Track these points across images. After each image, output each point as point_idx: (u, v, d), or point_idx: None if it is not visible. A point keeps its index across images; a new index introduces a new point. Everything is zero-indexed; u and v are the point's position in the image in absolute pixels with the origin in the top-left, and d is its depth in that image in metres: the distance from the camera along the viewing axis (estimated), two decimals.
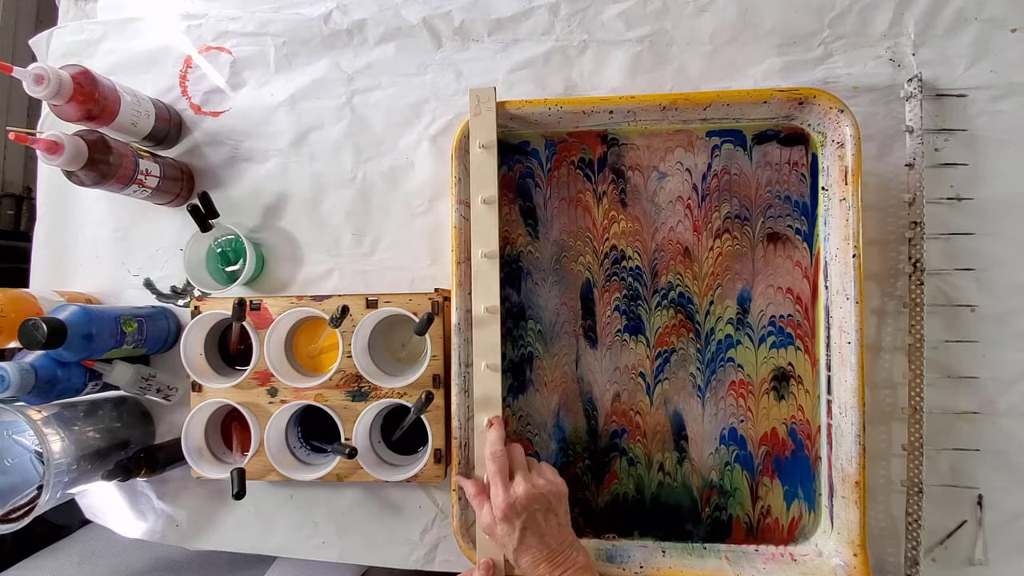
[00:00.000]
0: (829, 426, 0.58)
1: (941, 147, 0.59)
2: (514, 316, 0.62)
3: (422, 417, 0.59)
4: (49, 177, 0.72)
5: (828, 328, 0.57)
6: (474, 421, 0.56)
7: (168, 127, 0.67)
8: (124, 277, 0.70)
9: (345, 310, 0.58)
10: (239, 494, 0.58)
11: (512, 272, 0.63)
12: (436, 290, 0.63)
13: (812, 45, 0.61)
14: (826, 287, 0.58)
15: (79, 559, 0.77)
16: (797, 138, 0.59)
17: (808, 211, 0.59)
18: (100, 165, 0.57)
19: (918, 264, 0.57)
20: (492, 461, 0.52)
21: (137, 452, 0.62)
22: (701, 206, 0.61)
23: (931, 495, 0.56)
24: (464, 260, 0.59)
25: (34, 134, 0.54)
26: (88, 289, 0.70)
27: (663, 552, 0.58)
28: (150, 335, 0.64)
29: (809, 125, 0.58)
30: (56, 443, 0.57)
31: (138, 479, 0.64)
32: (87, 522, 0.71)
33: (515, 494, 0.50)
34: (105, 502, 0.69)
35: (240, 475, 0.58)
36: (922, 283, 0.57)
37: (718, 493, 0.60)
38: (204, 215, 0.63)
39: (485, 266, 0.56)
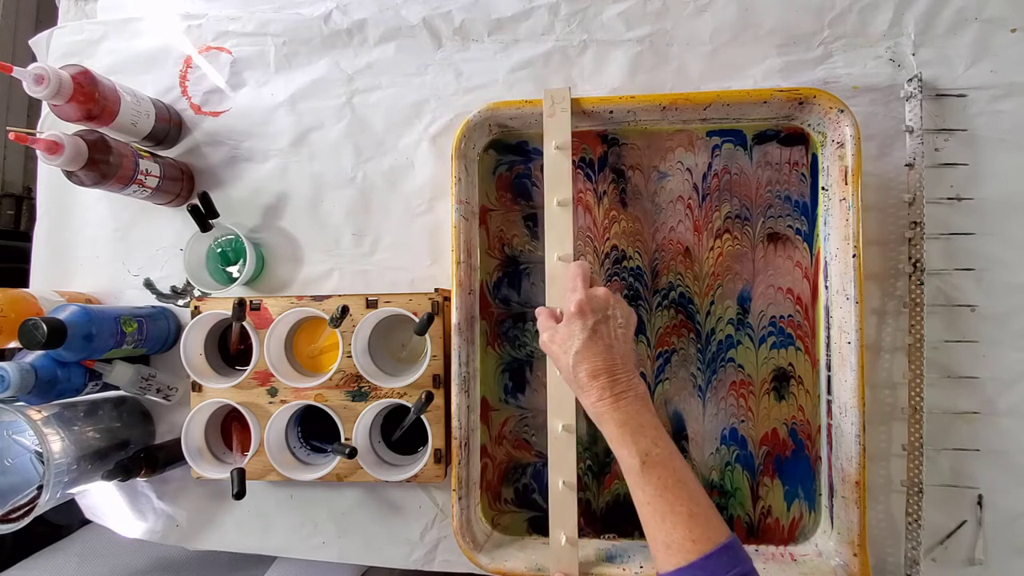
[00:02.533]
0: (829, 426, 0.58)
1: (941, 147, 0.59)
2: (514, 316, 0.62)
3: (422, 417, 0.59)
4: (49, 177, 0.72)
5: (828, 328, 0.57)
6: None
7: (168, 127, 0.67)
8: (124, 277, 0.70)
9: (345, 310, 0.58)
10: (239, 494, 0.58)
11: (512, 272, 0.63)
12: (436, 290, 0.63)
13: (812, 45, 0.61)
14: (826, 287, 0.58)
15: (79, 559, 0.77)
16: (797, 138, 0.59)
17: (808, 211, 0.59)
18: (100, 165, 0.57)
19: (918, 264, 0.57)
20: (576, 267, 0.49)
21: (137, 452, 0.62)
22: (701, 206, 0.61)
23: (931, 495, 0.56)
24: (464, 260, 0.59)
25: (34, 134, 0.54)
26: (88, 289, 0.70)
27: None
28: (150, 335, 0.64)
29: (809, 125, 0.58)
30: (56, 443, 0.57)
31: (138, 479, 0.64)
32: (87, 522, 0.71)
33: (595, 292, 0.47)
34: (105, 502, 0.69)
35: (240, 475, 0.59)
36: (922, 283, 0.57)
37: (719, 493, 0.60)
38: (204, 215, 0.63)
39: (559, 267, 0.54)
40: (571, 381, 0.47)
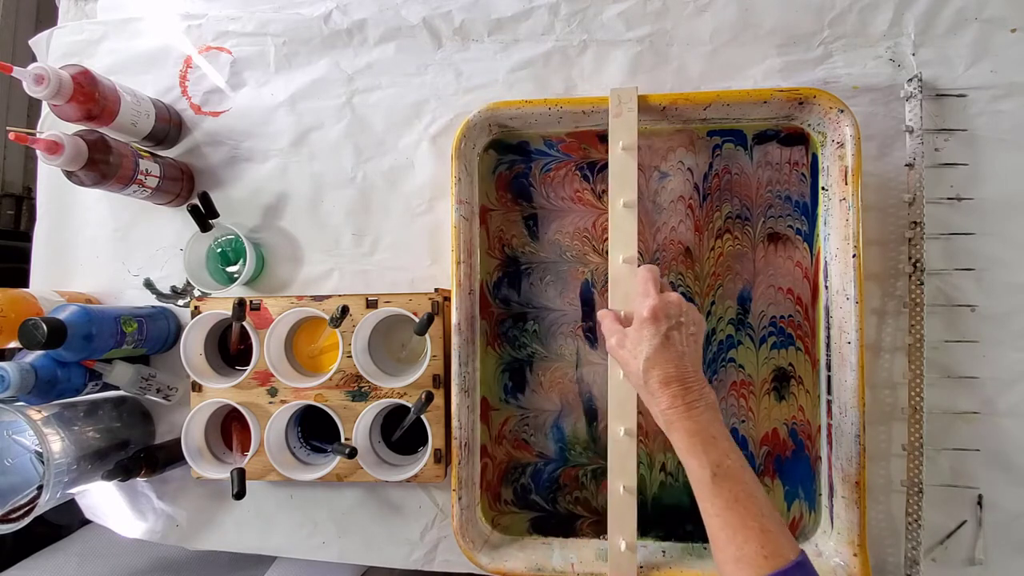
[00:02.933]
0: (829, 426, 0.58)
1: (941, 147, 0.59)
2: (514, 316, 0.62)
3: (422, 417, 0.59)
4: (49, 177, 0.72)
5: (828, 328, 0.57)
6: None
7: (168, 127, 0.67)
8: (124, 277, 0.70)
9: (345, 310, 0.58)
10: (239, 494, 0.58)
11: (512, 272, 0.63)
12: (436, 290, 0.63)
13: (812, 45, 0.61)
14: (826, 287, 0.58)
15: (79, 559, 0.77)
16: (797, 138, 0.59)
17: (808, 211, 0.59)
18: (100, 165, 0.57)
19: (918, 264, 0.57)
20: (646, 271, 0.49)
21: (137, 452, 0.62)
22: (702, 206, 0.61)
23: (931, 495, 0.56)
24: (464, 260, 0.59)
25: (34, 134, 0.54)
26: (88, 289, 0.70)
27: (663, 552, 0.58)
28: (150, 335, 0.64)
29: (809, 125, 0.58)
30: (56, 443, 0.57)
31: (138, 479, 0.64)
32: (87, 522, 0.71)
33: (668, 297, 0.47)
34: (105, 502, 0.69)
35: (240, 475, 0.59)
36: (922, 283, 0.57)
37: None
38: (204, 215, 0.63)
39: (623, 270, 0.54)
40: (640, 387, 0.47)
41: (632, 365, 0.46)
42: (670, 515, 0.60)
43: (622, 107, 0.56)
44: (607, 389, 0.60)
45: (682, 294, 0.60)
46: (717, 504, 0.41)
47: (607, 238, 0.61)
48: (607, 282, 0.61)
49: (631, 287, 0.53)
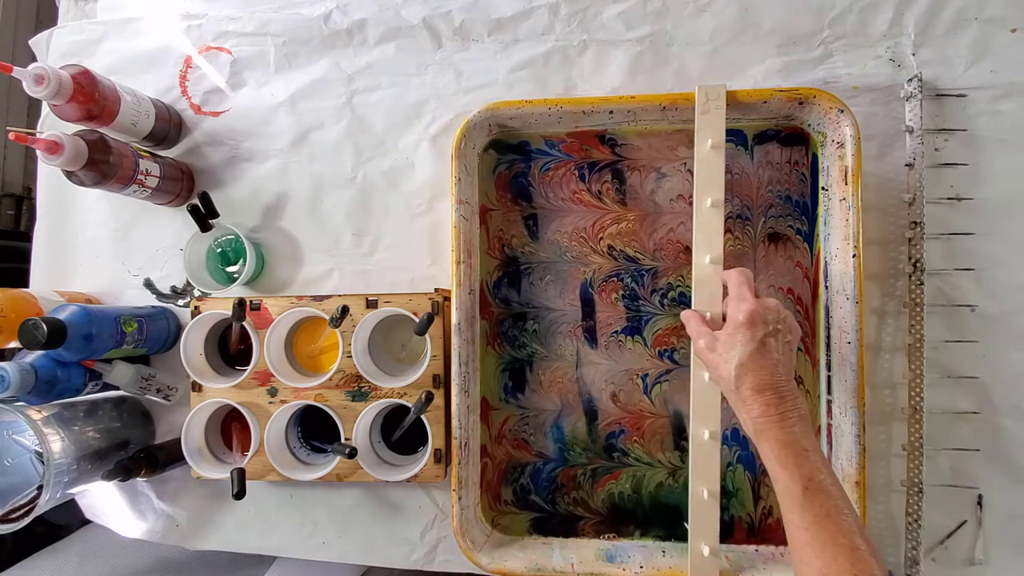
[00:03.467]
0: (829, 426, 0.58)
1: (941, 147, 0.59)
2: (514, 316, 0.62)
3: (422, 417, 0.59)
4: (49, 177, 0.72)
5: (828, 328, 0.57)
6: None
7: (168, 127, 0.67)
8: (124, 277, 0.70)
9: (345, 310, 0.58)
10: (239, 494, 0.58)
11: (512, 272, 0.63)
12: (436, 290, 0.63)
13: (812, 45, 0.61)
14: (826, 287, 0.58)
15: (79, 559, 0.77)
16: (797, 138, 0.59)
17: (808, 211, 0.59)
18: (100, 165, 0.57)
19: (918, 264, 0.57)
20: (740, 274, 0.47)
21: (137, 452, 0.62)
22: None
23: (931, 495, 0.56)
24: (464, 260, 0.59)
25: (34, 134, 0.54)
26: (88, 289, 0.70)
27: (663, 552, 0.58)
28: (150, 335, 0.64)
29: (809, 125, 0.58)
30: (56, 443, 0.57)
31: (138, 479, 0.64)
32: (87, 522, 0.71)
33: (767, 302, 0.45)
34: (105, 502, 0.69)
35: (240, 475, 0.58)
36: (922, 283, 0.57)
37: (723, 494, 0.59)
38: (204, 215, 0.63)
39: (709, 270, 0.53)
40: (730, 392, 0.45)
41: (723, 369, 0.45)
42: (670, 515, 0.60)
43: (710, 104, 0.55)
44: (603, 388, 0.60)
45: (680, 294, 0.60)
46: (806, 518, 0.40)
47: (607, 238, 0.61)
48: (606, 282, 0.61)
49: (716, 288, 0.52)
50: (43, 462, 0.56)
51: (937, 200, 0.58)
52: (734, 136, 0.60)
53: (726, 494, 0.59)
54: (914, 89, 0.58)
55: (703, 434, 0.53)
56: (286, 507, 0.66)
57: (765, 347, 0.44)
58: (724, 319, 0.49)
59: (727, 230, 0.60)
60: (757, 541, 0.59)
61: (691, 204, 0.61)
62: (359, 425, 0.61)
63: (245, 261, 0.64)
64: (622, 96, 0.58)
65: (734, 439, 0.59)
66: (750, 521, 0.59)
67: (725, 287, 0.51)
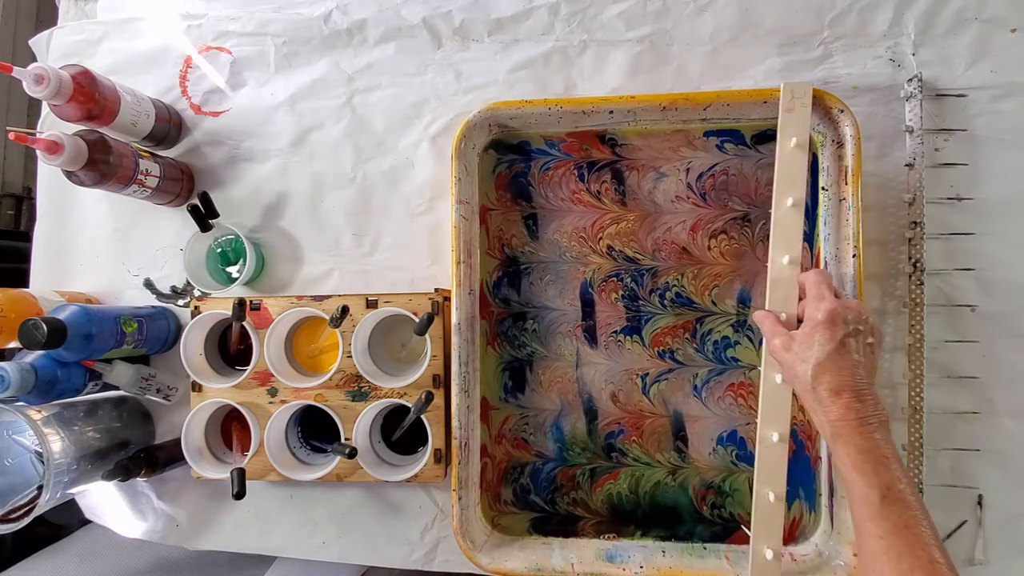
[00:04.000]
0: None
1: (941, 147, 0.59)
2: (514, 316, 0.62)
3: (422, 417, 0.59)
4: (49, 177, 0.72)
5: None
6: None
7: (168, 127, 0.67)
8: (124, 277, 0.70)
9: (345, 310, 0.58)
10: (239, 494, 0.58)
11: (512, 272, 0.63)
12: (436, 290, 0.63)
13: (812, 45, 0.61)
14: None
15: (79, 559, 0.77)
16: None
17: (808, 211, 0.59)
18: (100, 165, 0.57)
19: (918, 264, 0.57)
20: (819, 274, 0.46)
21: (137, 452, 0.62)
22: (701, 206, 0.60)
23: (931, 495, 0.56)
24: (464, 260, 0.59)
25: (34, 134, 0.54)
26: (88, 289, 0.70)
27: (663, 552, 0.58)
28: (150, 335, 0.64)
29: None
30: (56, 443, 0.57)
31: (138, 479, 0.64)
32: (87, 522, 0.71)
33: (848, 302, 0.44)
34: (105, 502, 0.69)
35: (240, 475, 0.59)
36: (922, 283, 0.57)
37: (715, 493, 0.60)
38: (204, 215, 0.63)
39: (786, 271, 0.51)
40: (806, 392, 0.44)
41: (799, 369, 0.44)
42: (669, 515, 0.60)
43: (795, 102, 0.53)
44: (603, 388, 0.60)
45: (677, 294, 0.60)
46: (883, 527, 0.39)
47: (606, 238, 0.61)
48: (606, 282, 0.61)
49: (792, 290, 0.50)
50: (43, 462, 0.56)
51: (937, 200, 0.58)
52: (733, 136, 0.60)
53: (722, 494, 0.59)
54: (914, 89, 0.58)
55: (772, 436, 0.51)
56: (286, 507, 0.66)
57: (845, 347, 0.43)
58: (798, 322, 0.48)
59: (723, 231, 0.60)
60: None
61: (690, 204, 0.61)
62: (359, 425, 0.61)
63: (245, 261, 0.64)
64: (622, 96, 0.58)
65: (731, 439, 0.59)
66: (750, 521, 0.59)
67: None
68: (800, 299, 0.50)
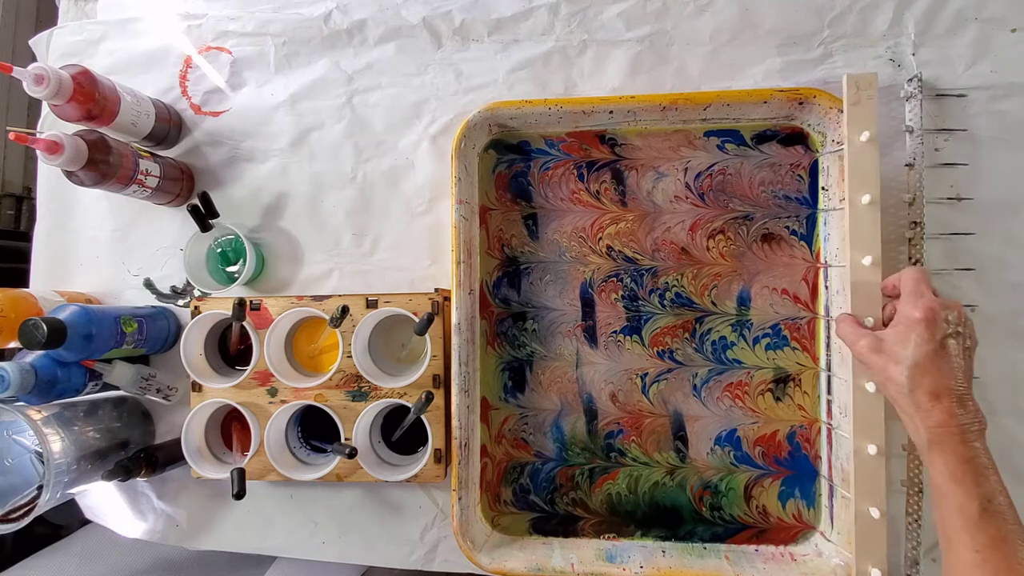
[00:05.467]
0: (829, 426, 0.58)
1: (941, 147, 0.59)
2: (514, 316, 0.62)
3: (422, 417, 0.59)
4: (49, 177, 0.72)
5: (828, 328, 0.57)
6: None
7: (168, 127, 0.67)
8: (124, 277, 0.70)
9: (345, 310, 0.58)
10: (239, 494, 0.58)
11: (512, 272, 0.63)
12: (436, 290, 0.63)
13: (812, 45, 0.61)
14: (826, 287, 0.58)
15: (79, 559, 0.77)
16: (797, 138, 0.59)
17: (808, 211, 0.59)
18: (100, 165, 0.57)
19: (918, 264, 0.57)
20: (917, 271, 0.44)
21: (137, 452, 0.62)
22: (700, 206, 0.60)
23: (931, 495, 0.56)
24: (464, 260, 0.59)
25: (34, 134, 0.54)
26: (88, 289, 0.70)
27: (663, 552, 0.58)
28: (150, 335, 0.64)
29: (809, 125, 0.58)
30: (56, 443, 0.57)
31: (138, 479, 0.64)
32: (87, 522, 0.71)
33: (947, 301, 0.42)
34: (105, 502, 0.69)
35: (240, 475, 0.59)
36: None
37: (714, 494, 0.60)
38: (204, 215, 0.63)
39: (868, 273, 0.50)
40: (901, 396, 0.42)
41: (892, 371, 0.42)
42: (669, 515, 0.60)
43: (860, 95, 0.51)
44: (603, 388, 0.60)
45: (677, 294, 0.60)
46: (979, 540, 0.38)
47: (605, 238, 0.61)
48: (605, 282, 0.61)
49: (876, 292, 0.49)
50: (43, 462, 0.56)
51: (937, 200, 0.58)
52: (733, 136, 0.60)
53: (717, 493, 0.59)
54: (914, 89, 0.58)
55: (869, 449, 0.50)
56: (286, 507, 0.66)
57: (945, 349, 0.41)
58: (885, 326, 0.46)
59: (722, 231, 0.60)
60: (757, 541, 0.59)
61: (689, 204, 0.61)
62: (359, 425, 0.61)
63: (245, 261, 0.64)
64: (622, 96, 0.58)
65: (730, 439, 0.60)
66: (750, 521, 0.59)
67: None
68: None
